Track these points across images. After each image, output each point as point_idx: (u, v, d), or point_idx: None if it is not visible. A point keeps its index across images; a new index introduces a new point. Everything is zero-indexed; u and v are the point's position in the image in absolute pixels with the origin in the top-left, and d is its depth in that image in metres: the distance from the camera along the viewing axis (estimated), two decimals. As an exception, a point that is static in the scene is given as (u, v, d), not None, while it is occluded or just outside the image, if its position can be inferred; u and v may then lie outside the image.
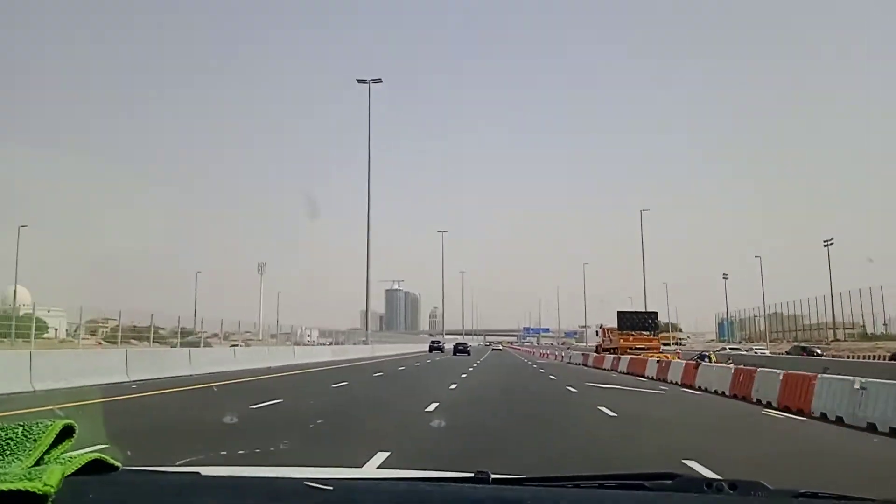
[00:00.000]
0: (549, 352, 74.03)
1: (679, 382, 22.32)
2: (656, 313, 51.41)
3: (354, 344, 63.48)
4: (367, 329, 64.51)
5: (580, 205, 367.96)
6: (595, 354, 44.86)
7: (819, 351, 47.01)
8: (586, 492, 1.21)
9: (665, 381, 23.87)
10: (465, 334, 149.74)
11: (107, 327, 43.43)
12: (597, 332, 61.33)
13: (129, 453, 5.64)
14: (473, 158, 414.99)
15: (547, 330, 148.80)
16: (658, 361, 27.38)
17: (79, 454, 0.97)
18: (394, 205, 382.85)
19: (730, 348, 54.75)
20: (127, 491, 1.05)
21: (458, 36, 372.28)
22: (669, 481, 1.19)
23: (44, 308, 40.61)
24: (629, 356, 34.47)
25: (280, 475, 1.38)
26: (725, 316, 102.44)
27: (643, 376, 26.89)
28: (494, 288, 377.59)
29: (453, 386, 20.14)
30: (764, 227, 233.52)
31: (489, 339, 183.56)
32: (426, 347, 78.04)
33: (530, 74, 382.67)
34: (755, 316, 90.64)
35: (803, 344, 56.27)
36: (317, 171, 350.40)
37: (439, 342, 78.39)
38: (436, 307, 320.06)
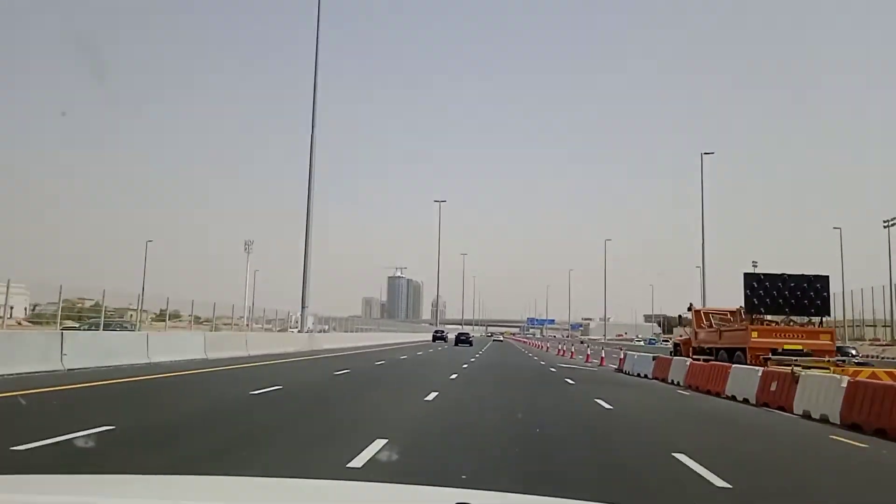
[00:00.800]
0: (559, 346, 63.27)
1: None
2: (826, 278, 23.94)
3: (348, 331, 59.95)
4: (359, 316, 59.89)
5: (586, 187, 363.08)
6: (684, 363, 20.74)
7: (854, 352, 42.56)
8: None
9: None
10: (468, 324, 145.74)
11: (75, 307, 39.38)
12: (680, 319, 32.30)
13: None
14: (486, 145, 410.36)
15: (552, 321, 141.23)
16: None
17: None
18: (400, 193, 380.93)
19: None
20: None
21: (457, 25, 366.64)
22: None
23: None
24: (778, 370, 15.19)
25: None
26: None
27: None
28: (498, 277, 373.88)
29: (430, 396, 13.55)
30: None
31: (491, 329, 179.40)
32: (428, 337, 76.61)
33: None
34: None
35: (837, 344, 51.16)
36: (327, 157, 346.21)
37: (443, 332, 76.29)
38: (439, 296, 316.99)
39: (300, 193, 44.96)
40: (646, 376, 22.80)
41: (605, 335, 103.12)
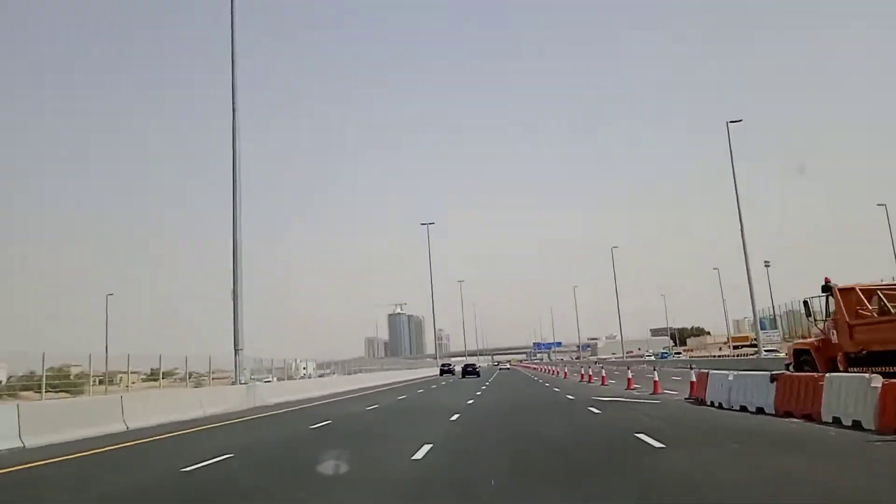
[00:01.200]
0: (582, 370, 54.99)
1: None
2: None
3: (349, 374, 57.41)
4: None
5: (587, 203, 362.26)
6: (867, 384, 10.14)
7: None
8: None
9: None
10: (472, 355, 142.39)
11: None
12: (808, 308, 17.46)
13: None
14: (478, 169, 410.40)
15: (559, 344, 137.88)
16: None
17: None
18: (396, 231, 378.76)
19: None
20: None
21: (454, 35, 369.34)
22: None
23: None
24: None
25: None
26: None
27: None
28: (499, 304, 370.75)
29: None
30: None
31: (497, 358, 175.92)
32: (432, 371, 77.63)
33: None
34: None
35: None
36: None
37: (450, 365, 77.82)
38: (441, 329, 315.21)
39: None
40: (759, 410, 13.13)
41: (622, 352, 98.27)
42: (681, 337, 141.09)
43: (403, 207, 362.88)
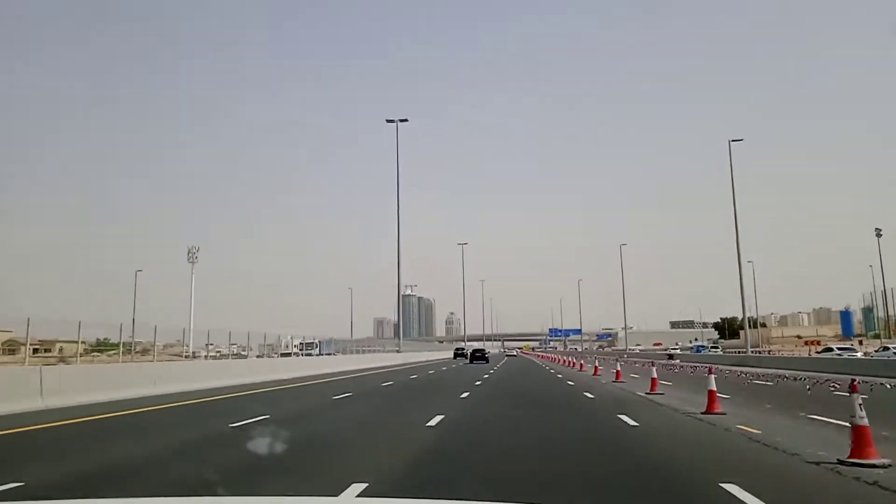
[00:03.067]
0: (577, 359, 46.17)
1: None
2: None
3: (348, 353, 51.04)
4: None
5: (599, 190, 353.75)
6: None
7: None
8: None
9: None
10: (486, 339, 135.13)
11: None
12: None
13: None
14: (489, 157, 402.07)
15: (579, 332, 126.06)
16: None
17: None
18: (407, 208, 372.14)
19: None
20: None
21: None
22: None
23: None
24: None
25: None
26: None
27: None
28: (514, 289, 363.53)
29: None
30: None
31: (508, 344, 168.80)
32: (440, 356, 77.13)
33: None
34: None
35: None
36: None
37: (463, 349, 77.87)
38: (452, 313, 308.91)
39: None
40: None
41: (639, 343, 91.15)
42: (730, 328, 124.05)
43: (419, 191, 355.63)
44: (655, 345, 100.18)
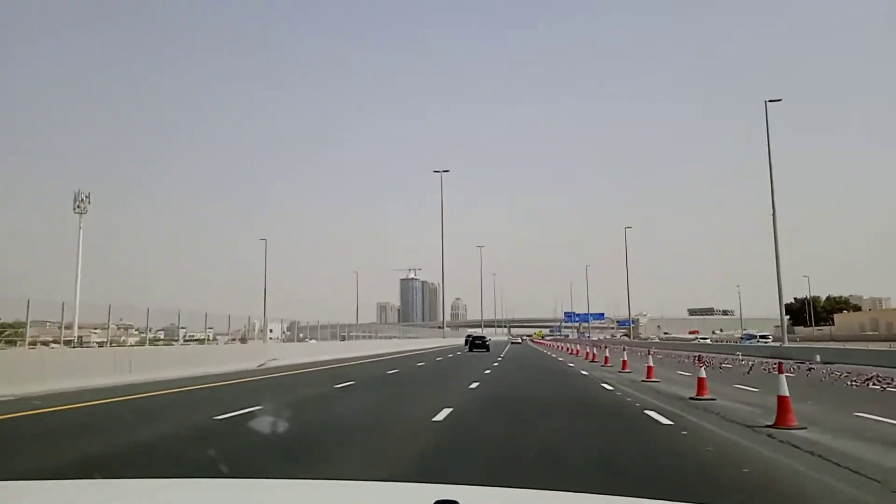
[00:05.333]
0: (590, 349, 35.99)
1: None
2: None
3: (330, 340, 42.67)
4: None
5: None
6: None
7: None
8: None
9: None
10: (496, 326, 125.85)
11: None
12: None
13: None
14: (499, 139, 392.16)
15: (600, 316, 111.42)
16: None
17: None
18: (407, 186, 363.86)
19: None
20: None
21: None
22: None
23: None
24: None
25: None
26: None
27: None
28: (524, 274, 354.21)
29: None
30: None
31: (516, 331, 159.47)
32: (439, 344, 70.05)
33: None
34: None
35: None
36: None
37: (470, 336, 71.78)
38: (458, 298, 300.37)
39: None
40: None
41: (650, 333, 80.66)
42: (796, 313, 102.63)
43: (424, 170, 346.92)
44: (691, 332, 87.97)
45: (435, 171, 76.66)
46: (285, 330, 56.70)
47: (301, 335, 48.48)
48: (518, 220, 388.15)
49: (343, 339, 50.05)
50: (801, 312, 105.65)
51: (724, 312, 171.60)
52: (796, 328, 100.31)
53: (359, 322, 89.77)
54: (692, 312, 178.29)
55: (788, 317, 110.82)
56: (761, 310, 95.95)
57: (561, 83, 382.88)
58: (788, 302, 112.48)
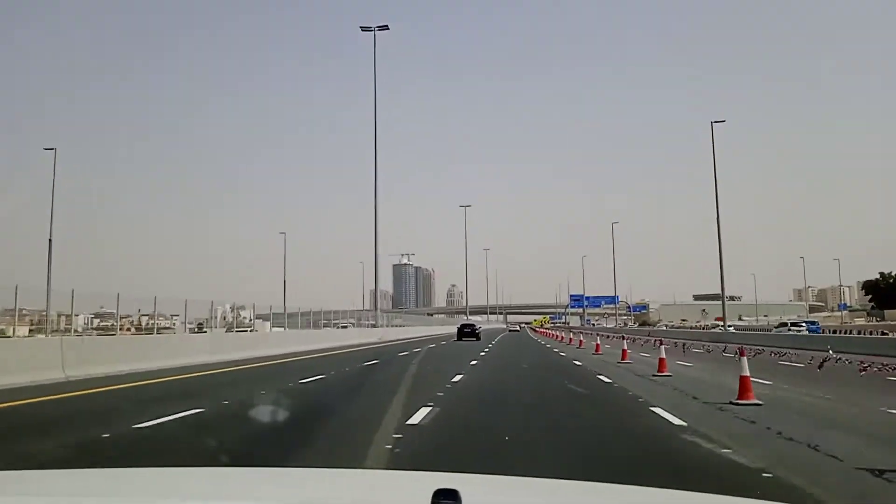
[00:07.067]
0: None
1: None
2: None
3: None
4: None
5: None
6: None
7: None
8: None
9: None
10: (491, 312, 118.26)
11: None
12: None
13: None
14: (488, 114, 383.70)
15: (614, 300, 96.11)
16: None
17: None
18: (402, 173, 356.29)
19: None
20: None
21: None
22: None
23: None
24: None
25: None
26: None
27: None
28: (524, 260, 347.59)
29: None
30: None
31: (511, 318, 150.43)
32: (429, 332, 68.74)
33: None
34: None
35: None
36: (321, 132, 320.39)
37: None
38: (454, 285, 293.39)
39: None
40: None
41: (664, 323, 72.54)
42: (883, 292, 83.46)
43: (419, 158, 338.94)
44: (717, 320, 77.22)
45: (363, 28, 48.86)
46: (253, 317, 50.15)
47: (277, 323, 41.51)
48: (522, 208, 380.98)
49: (318, 326, 43.32)
50: (890, 292, 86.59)
51: (732, 298, 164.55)
52: (886, 311, 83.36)
53: (351, 310, 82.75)
54: (697, 298, 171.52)
55: (870, 297, 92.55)
56: (767, 295, 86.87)
57: (547, 66, 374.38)
58: (870, 279, 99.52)
